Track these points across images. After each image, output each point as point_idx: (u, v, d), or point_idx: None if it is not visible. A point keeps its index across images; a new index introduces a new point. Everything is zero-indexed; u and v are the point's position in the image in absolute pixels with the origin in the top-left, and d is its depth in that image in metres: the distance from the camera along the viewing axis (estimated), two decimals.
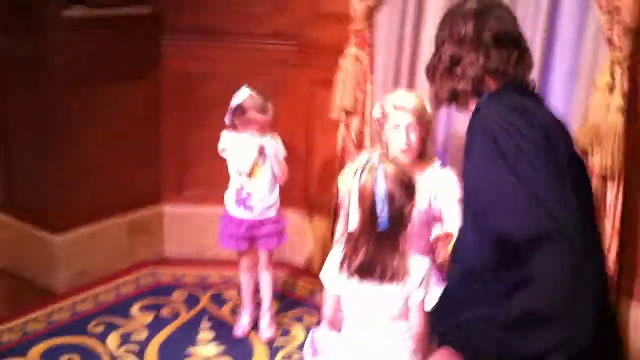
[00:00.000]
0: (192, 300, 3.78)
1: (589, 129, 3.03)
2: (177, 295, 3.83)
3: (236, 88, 3.99)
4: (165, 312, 3.65)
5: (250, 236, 3.35)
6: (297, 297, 3.89)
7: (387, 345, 2.22)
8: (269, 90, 4.06)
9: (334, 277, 2.23)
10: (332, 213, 3.87)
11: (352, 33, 3.61)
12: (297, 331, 3.53)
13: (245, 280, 3.50)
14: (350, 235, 2.18)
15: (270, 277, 3.49)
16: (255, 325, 3.51)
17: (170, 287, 3.92)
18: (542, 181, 1.82)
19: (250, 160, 3.25)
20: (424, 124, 2.92)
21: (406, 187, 2.13)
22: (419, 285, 2.18)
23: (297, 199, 4.05)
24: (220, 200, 4.12)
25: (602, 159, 3.03)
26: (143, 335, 3.42)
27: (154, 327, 3.49)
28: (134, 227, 4.13)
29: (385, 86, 3.61)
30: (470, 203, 1.97)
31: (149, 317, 3.58)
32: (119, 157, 3.98)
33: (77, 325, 3.48)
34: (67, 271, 3.82)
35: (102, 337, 3.38)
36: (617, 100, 2.97)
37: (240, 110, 3.25)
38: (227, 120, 3.30)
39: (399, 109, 2.89)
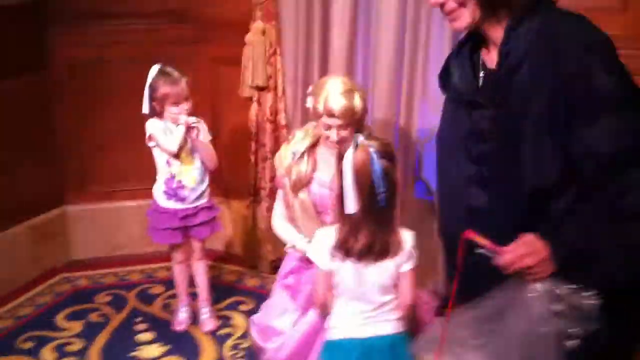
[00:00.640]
0: (118, 302, 3.60)
1: None
2: (101, 298, 3.63)
3: (131, 73, 3.81)
4: (93, 317, 3.46)
5: (184, 227, 3.23)
6: (227, 284, 3.79)
7: (377, 316, 2.25)
8: None
9: (326, 259, 2.22)
10: (252, 194, 3.80)
11: (256, 7, 3.51)
12: (238, 319, 3.45)
13: (179, 274, 3.38)
14: (347, 218, 2.16)
15: (205, 266, 3.39)
16: (193, 319, 3.40)
17: (90, 290, 3.71)
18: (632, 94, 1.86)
19: (178, 138, 3.11)
20: (355, 122, 2.85)
21: (393, 160, 2.14)
22: (409, 256, 2.21)
23: (210, 183, 3.91)
24: (127, 194, 3.99)
25: None
26: (78, 345, 3.22)
27: (87, 335, 3.30)
28: (38, 233, 3.86)
29: (296, 59, 3.55)
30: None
31: (78, 326, 3.38)
32: (13, 159, 3.68)
33: (2, 344, 3.22)
34: None
35: (34, 354, 3.16)
36: None
37: (152, 88, 3.10)
38: (145, 107, 3.13)
39: (328, 114, 2.79)
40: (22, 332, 3.32)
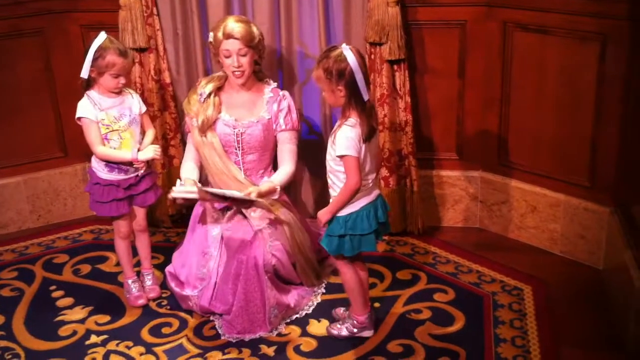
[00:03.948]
0: (25, 275, 3.61)
1: (375, 24, 3.46)
2: (6, 275, 3.62)
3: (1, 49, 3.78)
4: (5, 292, 3.46)
5: (129, 196, 3.20)
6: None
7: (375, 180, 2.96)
8: (42, 46, 3.92)
9: (357, 148, 2.68)
10: None
11: None
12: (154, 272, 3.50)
13: (125, 248, 3.33)
14: (362, 107, 2.68)
15: (149, 235, 3.42)
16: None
17: None
18: None
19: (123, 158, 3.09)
20: (254, 47, 3.17)
21: None
22: None
23: None
24: (10, 171, 3.97)
25: (390, 47, 3.47)
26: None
27: (5, 309, 3.32)
28: None
29: (174, 17, 3.68)
30: None
31: None
32: None
33: None
34: None
35: None
36: None
37: (99, 54, 3.00)
38: (84, 72, 3.04)
39: (228, 37, 3.12)
40: None
